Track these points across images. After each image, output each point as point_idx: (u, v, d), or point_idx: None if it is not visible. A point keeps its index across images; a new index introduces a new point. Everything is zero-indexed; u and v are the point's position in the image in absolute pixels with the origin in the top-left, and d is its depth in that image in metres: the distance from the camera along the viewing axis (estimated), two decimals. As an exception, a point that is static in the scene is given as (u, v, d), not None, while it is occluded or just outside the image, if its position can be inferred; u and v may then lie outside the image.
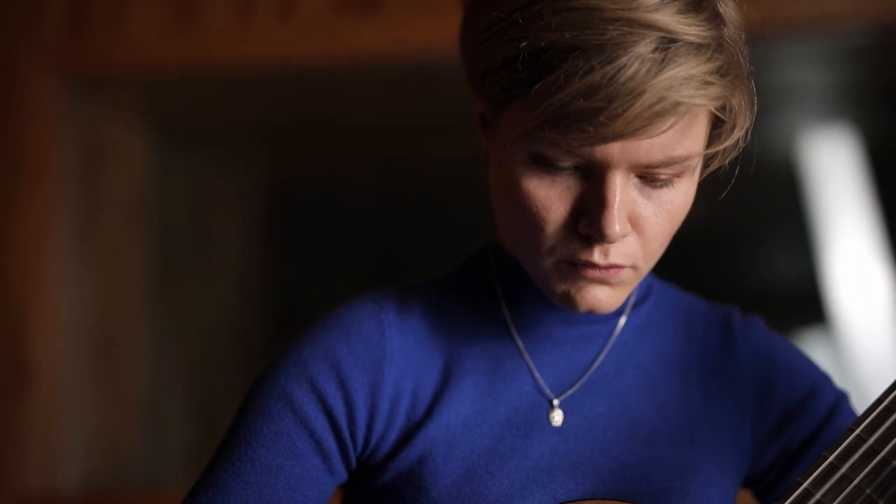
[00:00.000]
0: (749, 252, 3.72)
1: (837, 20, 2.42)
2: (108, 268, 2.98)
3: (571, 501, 0.93)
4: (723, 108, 0.91)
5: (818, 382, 1.09)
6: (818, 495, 0.85)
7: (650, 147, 0.89)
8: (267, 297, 3.81)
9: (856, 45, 2.64)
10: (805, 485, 0.85)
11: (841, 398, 1.08)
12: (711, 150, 0.94)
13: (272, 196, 3.90)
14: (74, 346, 2.80)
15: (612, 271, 0.94)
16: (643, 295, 1.09)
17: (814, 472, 0.86)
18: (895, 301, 3.49)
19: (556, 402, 1.03)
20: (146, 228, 3.18)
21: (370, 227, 3.75)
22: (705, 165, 0.97)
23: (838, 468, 0.85)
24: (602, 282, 0.95)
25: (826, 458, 0.86)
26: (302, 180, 3.93)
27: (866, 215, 3.68)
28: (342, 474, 1.02)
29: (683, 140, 0.90)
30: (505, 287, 1.06)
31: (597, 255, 0.93)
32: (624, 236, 0.93)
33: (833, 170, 3.73)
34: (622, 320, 1.07)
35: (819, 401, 1.07)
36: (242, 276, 3.77)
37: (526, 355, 1.04)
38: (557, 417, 1.02)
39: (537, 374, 1.04)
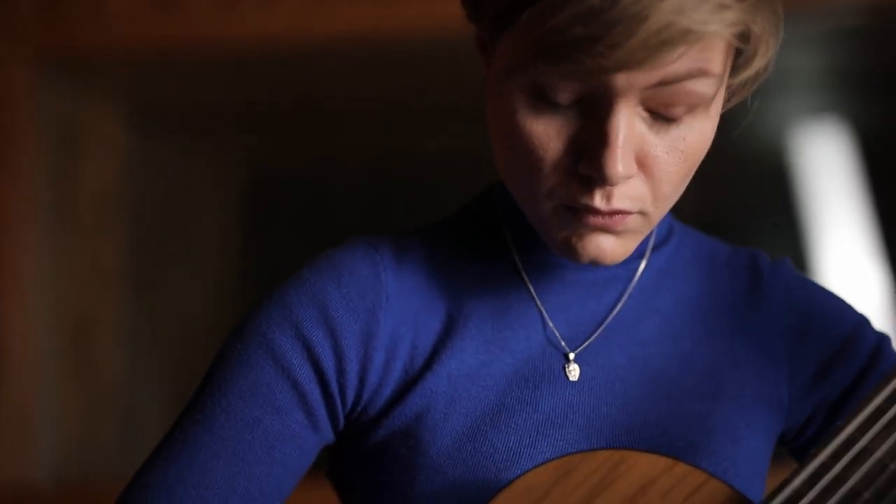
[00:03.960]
0: (739, 246, 3.67)
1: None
2: (82, 257, 2.96)
3: (581, 451, 0.84)
4: (741, 35, 0.82)
5: (857, 325, 1.00)
6: (811, 495, 0.79)
7: (659, 69, 0.80)
8: (246, 289, 3.76)
9: (848, 26, 2.59)
10: (794, 483, 0.79)
11: (883, 340, 1.00)
12: (730, 82, 0.85)
13: (252, 186, 3.87)
14: (47, 337, 2.77)
15: (616, 218, 0.85)
16: (664, 236, 1.00)
17: (803, 469, 0.80)
18: (887, 297, 3.46)
19: (571, 355, 0.94)
20: (122, 217, 3.17)
21: (354, 220, 3.68)
22: (724, 99, 0.88)
23: (830, 467, 0.79)
24: (605, 229, 0.86)
25: (816, 456, 0.80)
26: (284, 170, 3.89)
27: (859, 209, 3.66)
28: (328, 432, 0.92)
29: (697, 70, 0.81)
30: (513, 229, 0.97)
31: (598, 200, 0.84)
32: (629, 178, 0.83)
33: (825, 163, 3.70)
34: (642, 263, 0.98)
35: (860, 345, 0.98)
36: (221, 268, 3.74)
37: (538, 300, 0.95)
38: (574, 372, 0.93)
39: (549, 322, 0.95)
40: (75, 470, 2.77)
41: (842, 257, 3.64)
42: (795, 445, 1.01)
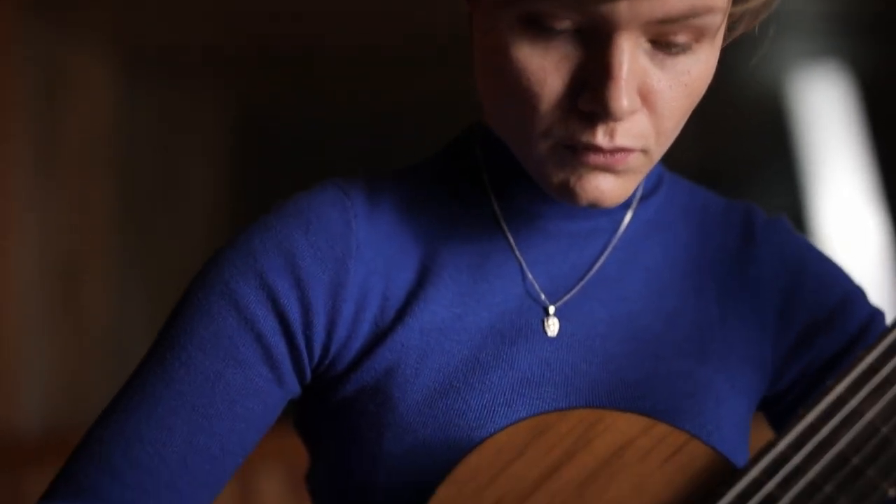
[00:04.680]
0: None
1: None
2: (70, 202, 2.95)
3: (557, 410, 0.80)
4: None
5: (851, 294, 0.96)
6: (796, 459, 0.76)
7: (664, 2, 0.75)
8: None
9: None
10: (779, 447, 0.76)
11: (875, 315, 0.96)
12: (737, 8, 0.80)
13: (245, 129, 3.84)
14: (35, 283, 2.76)
15: (618, 156, 0.81)
16: (653, 186, 0.95)
17: (788, 432, 0.76)
18: (885, 243, 3.44)
19: (551, 309, 0.90)
20: (110, 161, 3.14)
21: (344, 163, 3.64)
22: (729, 28, 0.83)
23: (817, 429, 0.76)
24: (606, 169, 0.82)
25: (803, 417, 0.76)
26: (274, 113, 3.85)
27: (858, 155, 3.63)
28: (294, 386, 0.88)
29: (702, 6, 0.76)
30: (493, 175, 0.92)
31: (600, 137, 0.80)
32: (633, 113, 0.79)
33: (825, 108, 3.66)
34: (628, 215, 0.93)
35: (851, 315, 0.94)
36: (211, 211, 3.71)
37: (517, 252, 0.91)
38: (553, 327, 0.89)
39: (529, 274, 0.91)
40: (63, 416, 2.76)
41: (840, 203, 3.62)
42: (774, 411, 0.97)
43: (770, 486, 0.75)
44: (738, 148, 3.67)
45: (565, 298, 0.91)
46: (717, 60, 0.83)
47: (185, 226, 3.58)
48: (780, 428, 0.86)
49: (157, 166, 3.44)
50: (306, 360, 0.88)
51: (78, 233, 2.96)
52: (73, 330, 2.89)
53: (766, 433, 0.84)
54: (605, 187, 0.83)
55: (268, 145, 3.81)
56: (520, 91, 0.80)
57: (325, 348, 0.87)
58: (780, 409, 0.96)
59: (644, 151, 0.83)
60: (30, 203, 2.72)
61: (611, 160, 0.81)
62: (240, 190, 3.78)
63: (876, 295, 1.00)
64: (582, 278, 0.92)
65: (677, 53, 0.80)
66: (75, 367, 2.88)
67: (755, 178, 3.66)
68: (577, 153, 0.81)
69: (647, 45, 0.79)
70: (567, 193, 0.83)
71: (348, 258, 0.88)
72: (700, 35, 0.79)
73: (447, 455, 0.82)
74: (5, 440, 2.57)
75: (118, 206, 3.16)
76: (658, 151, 0.84)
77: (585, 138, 0.80)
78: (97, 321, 3.02)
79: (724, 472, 0.77)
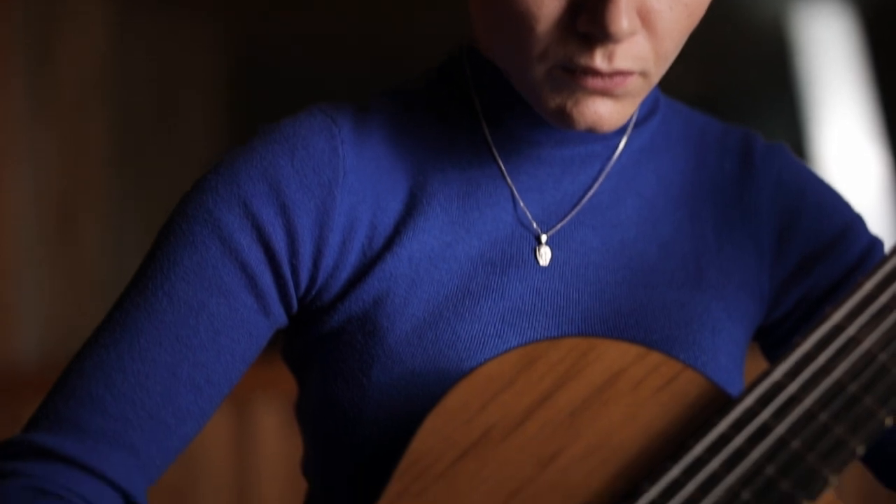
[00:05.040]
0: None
1: None
2: (65, 137, 2.93)
3: (548, 339, 0.79)
4: None
5: (850, 222, 0.94)
6: (792, 388, 0.74)
7: None
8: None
9: None
10: (774, 375, 0.75)
11: (875, 243, 0.94)
12: None
13: (241, 64, 3.80)
14: (31, 221, 2.76)
15: (616, 79, 0.79)
16: (648, 111, 0.93)
17: (784, 360, 0.75)
18: (886, 178, 3.42)
19: (543, 237, 0.88)
20: (106, 97, 3.13)
21: (344, 97, 3.61)
22: None
23: (814, 357, 0.74)
24: (605, 93, 0.80)
25: (799, 345, 0.75)
26: (274, 49, 3.81)
27: (859, 89, 3.60)
28: (280, 317, 0.87)
29: None
30: (484, 99, 0.90)
31: (599, 60, 0.78)
32: (632, 34, 0.78)
33: (826, 40, 3.63)
34: (623, 141, 0.91)
35: (850, 243, 0.93)
36: (208, 149, 3.69)
37: (508, 179, 0.89)
38: (545, 255, 0.88)
39: (521, 202, 0.89)
40: (60, 355, 2.76)
41: (841, 136, 3.60)
42: (769, 341, 0.95)
43: (765, 415, 0.74)
44: (737, 78, 3.64)
45: (557, 227, 0.89)
46: None
47: (180, 161, 3.57)
48: (775, 358, 0.85)
49: (153, 101, 3.42)
50: (293, 290, 0.86)
51: (73, 168, 2.95)
52: (70, 268, 2.89)
53: (761, 365, 0.83)
54: (604, 111, 0.81)
55: (264, 80, 3.77)
56: (517, 13, 0.79)
57: (312, 277, 0.86)
58: (774, 339, 0.95)
59: (643, 74, 0.81)
60: (24, 140, 2.71)
61: (609, 84, 0.80)
62: (236, 124, 3.76)
63: (875, 227, 0.99)
64: (575, 206, 0.90)
65: None
66: (72, 304, 2.88)
67: (754, 110, 3.63)
68: (575, 76, 0.80)
69: None
70: (564, 118, 0.82)
71: (335, 186, 0.86)
72: None
73: (436, 386, 0.81)
74: (4, 372, 2.58)
75: (113, 141, 3.14)
76: (657, 74, 0.83)
77: (583, 61, 0.78)
78: (93, 257, 3.02)
79: (718, 402, 0.76)
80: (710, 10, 0.84)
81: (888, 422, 0.73)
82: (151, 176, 3.37)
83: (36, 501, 0.78)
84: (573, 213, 0.89)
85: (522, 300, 0.86)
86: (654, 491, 0.73)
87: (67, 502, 0.79)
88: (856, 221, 0.95)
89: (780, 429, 0.73)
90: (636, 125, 0.92)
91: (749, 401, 0.74)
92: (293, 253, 0.85)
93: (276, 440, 2.49)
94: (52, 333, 2.78)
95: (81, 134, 3.00)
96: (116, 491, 0.81)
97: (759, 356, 0.96)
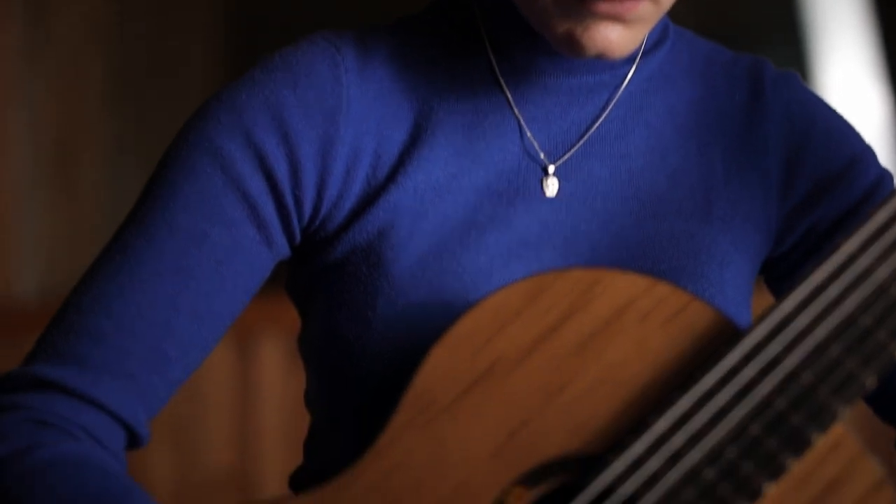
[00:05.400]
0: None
1: None
2: (64, 80, 2.91)
3: (555, 270, 0.78)
4: None
5: (860, 154, 0.92)
6: (802, 320, 0.73)
7: None
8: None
9: None
10: (784, 307, 0.74)
11: (884, 176, 0.92)
12: None
13: (241, 7, 3.77)
14: (30, 162, 2.76)
15: (626, 4, 0.78)
16: (657, 39, 0.91)
17: (794, 291, 0.74)
18: (888, 115, 3.41)
19: (551, 168, 0.87)
20: (104, 38, 3.12)
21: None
22: None
23: (825, 288, 0.73)
24: (615, 18, 0.79)
25: (809, 276, 0.74)
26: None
27: (863, 26, 3.58)
28: (283, 247, 0.86)
29: None
30: (490, 27, 0.88)
31: None
32: None
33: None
34: (632, 69, 0.89)
35: (859, 175, 0.91)
36: (206, 91, 3.68)
37: (515, 109, 0.87)
38: (552, 186, 0.87)
39: (528, 132, 0.87)
40: (60, 295, 2.78)
41: (844, 72, 3.58)
42: (775, 274, 0.94)
43: (774, 347, 0.73)
44: (740, 12, 3.62)
45: (565, 157, 0.88)
46: None
47: (179, 103, 3.56)
48: (781, 292, 0.84)
49: (151, 44, 3.41)
50: (295, 221, 0.85)
51: (71, 110, 2.94)
52: (69, 207, 2.90)
53: (766, 301, 0.82)
54: (613, 37, 0.80)
55: (263, 21, 3.75)
56: None
57: (316, 207, 0.85)
58: (780, 272, 0.94)
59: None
60: (23, 81, 2.70)
61: (620, 8, 0.79)
62: (236, 66, 3.74)
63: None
64: (582, 136, 0.89)
65: None
66: (71, 244, 2.89)
67: (757, 47, 3.61)
68: (584, 1, 0.78)
69: None
70: (572, 44, 0.81)
71: (338, 114, 0.84)
72: None
73: (441, 318, 0.80)
74: (4, 309, 2.61)
75: (111, 87, 3.14)
76: (668, 0, 0.81)
77: None
78: (92, 198, 3.02)
79: (726, 334, 0.75)
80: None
81: (900, 355, 0.72)
82: (150, 117, 3.36)
83: (36, 433, 0.78)
84: (580, 143, 0.88)
85: (529, 231, 0.85)
86: (661, 423, 0.72)
87: (67, 433, 0.78)
88: (866, 153, 0.93)
89: (790, 362, 0.72)
90: (645, 54, 0.90)
91: (758, 333, 0.73)
92: (296, 183, 0.84)
93: (278, 373, 2.51)
94: (52, 275, 2.79)
95: (80, 77, 2.99)
96: (117, 421, 0.80)
97: (763, 292, 0.96)
